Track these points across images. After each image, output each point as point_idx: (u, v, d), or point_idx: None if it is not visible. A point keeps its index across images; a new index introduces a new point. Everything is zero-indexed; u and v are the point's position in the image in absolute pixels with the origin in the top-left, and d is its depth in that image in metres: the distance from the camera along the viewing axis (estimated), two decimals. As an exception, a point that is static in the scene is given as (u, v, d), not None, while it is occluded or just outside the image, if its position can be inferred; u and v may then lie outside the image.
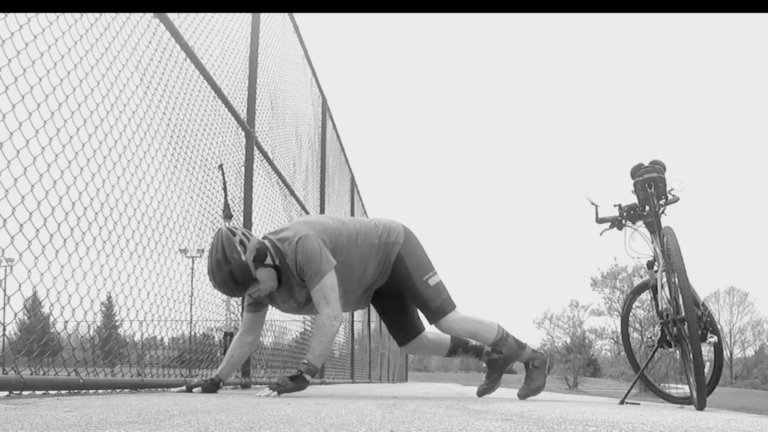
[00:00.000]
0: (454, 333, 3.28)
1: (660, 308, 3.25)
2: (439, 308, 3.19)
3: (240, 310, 3.91)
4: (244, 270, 2.86)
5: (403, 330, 3.40)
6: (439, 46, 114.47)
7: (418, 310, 3.34)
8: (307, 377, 2.90)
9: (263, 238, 3.05)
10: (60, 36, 2.12)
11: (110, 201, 2.46)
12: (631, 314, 4.51)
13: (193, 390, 2.92)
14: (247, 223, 4.06)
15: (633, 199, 3.45)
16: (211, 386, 2.98)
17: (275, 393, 2.82)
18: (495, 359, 3.49)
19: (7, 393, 1.92)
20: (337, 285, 2.98)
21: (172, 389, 2.99)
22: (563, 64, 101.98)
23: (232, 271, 2.84)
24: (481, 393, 3.67)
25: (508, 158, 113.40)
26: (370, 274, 3.17)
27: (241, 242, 2.88)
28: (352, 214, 10.00)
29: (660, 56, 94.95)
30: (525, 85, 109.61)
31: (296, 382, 2.89)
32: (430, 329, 3.42)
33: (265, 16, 4.64)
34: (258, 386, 4.09)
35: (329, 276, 2.95)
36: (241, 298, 3.42)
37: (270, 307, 3.27)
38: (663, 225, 3.29)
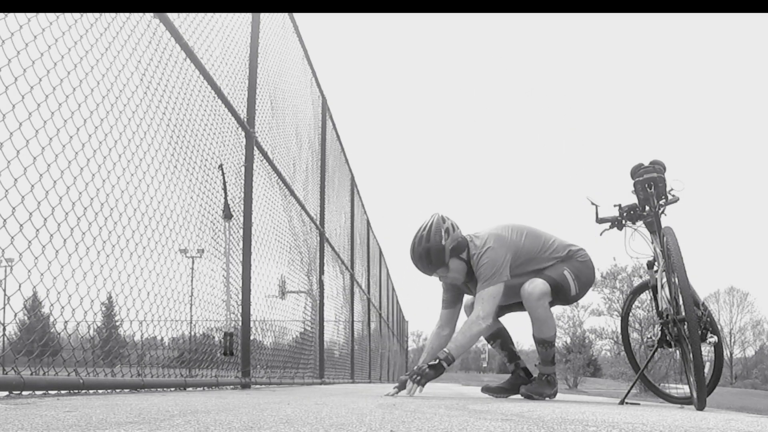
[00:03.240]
0: (533, 300, 3.40)
1: (660, 308, 3.25)
2: (548, 277, 3.42)
3: (239, 311, 3.91)
4: (440, 253, 3.29)
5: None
6: (439, 46, 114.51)
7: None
8: (445, 365, 3.21)
9: (467, 235, 3.45)
10: (60, 36, 2.11)
11: (110, 201, 2.45)
12: (631, 314, 4.50)
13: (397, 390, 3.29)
14: (247, 223, 4.05)
15: (633, 199, 3.44)
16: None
17: (420, 387, 3.16)
18: (521, 377, 3.66)
19: (7, 393, 1.92)
20: (500, 296, 3.33)
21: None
22: (563, 64, 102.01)
23: (429, 249, 3.29)
24: (485, 389, 3.74)
25: (509, 158, 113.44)
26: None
27: (447, 230, 3.32)
28: (352, 214, 10.00)
29: (660, 56, 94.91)
30: (526, 85, 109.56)
31: (435, 370, 3.20)
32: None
33: (265, 16, 4.64)
34: (258, 386, 4.09)
35: (496, 287, 3.31)
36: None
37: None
38: (663, 225, 3.29)
